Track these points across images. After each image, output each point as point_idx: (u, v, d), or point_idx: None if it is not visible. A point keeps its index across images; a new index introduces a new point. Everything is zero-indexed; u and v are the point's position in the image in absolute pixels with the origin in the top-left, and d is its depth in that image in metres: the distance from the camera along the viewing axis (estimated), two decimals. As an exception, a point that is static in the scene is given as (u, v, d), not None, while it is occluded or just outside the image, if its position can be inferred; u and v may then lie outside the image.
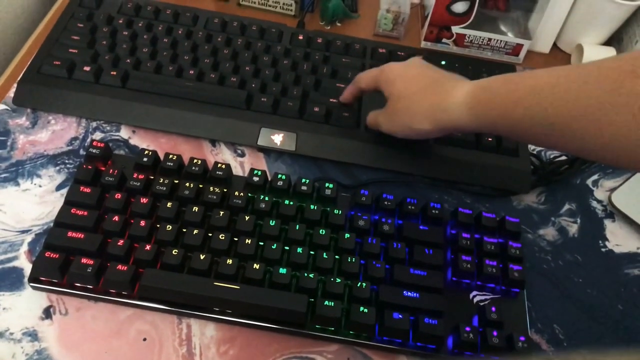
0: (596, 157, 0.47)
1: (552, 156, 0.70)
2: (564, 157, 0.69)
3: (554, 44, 0.85)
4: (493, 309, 0.54)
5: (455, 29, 0.79)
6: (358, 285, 0.53)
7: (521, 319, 0.56)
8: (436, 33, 0.80)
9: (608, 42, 0.83)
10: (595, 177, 0.69)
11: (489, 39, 0.80)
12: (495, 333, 0.52)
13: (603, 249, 0.64)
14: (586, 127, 0.45)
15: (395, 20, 0.81)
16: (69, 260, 0.52)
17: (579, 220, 0.66)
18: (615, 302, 0.60)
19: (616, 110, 0.42)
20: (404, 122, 0.58)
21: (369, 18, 0.84)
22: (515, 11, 0.83)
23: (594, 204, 0.67)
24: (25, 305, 0.53)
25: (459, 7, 0.77)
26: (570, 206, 0.67)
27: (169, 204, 0.56)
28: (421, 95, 0.57)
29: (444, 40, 0.81)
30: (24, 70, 0.67)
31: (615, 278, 0.61)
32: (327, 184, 0.59)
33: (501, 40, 0.80)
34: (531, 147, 0.70)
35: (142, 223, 0.54)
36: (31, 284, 0.53)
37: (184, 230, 0.55)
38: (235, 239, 0.55)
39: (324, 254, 0.55)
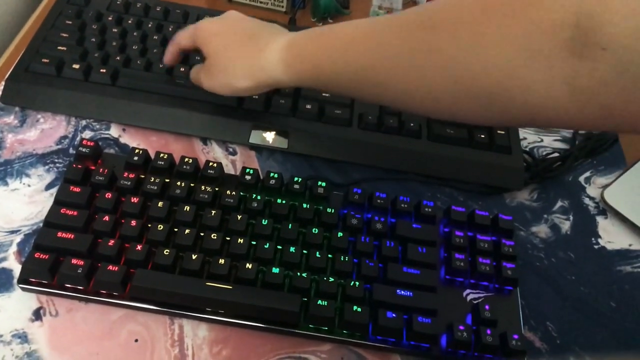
0: (403, 107, 0.49)
1: (544, 153, 0.70)
2: (556, 154, 0.69)
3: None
4: (487, 307, 0.54)
5: (448, 26, 0.79)
6: (351, 284, 0.53)
7: (515, 316, 0.56)
8: (428, 30, 0.80)
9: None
10: (587, 174, 0.69)
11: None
12: (489, 331, 0.52)
13: (595, 246, 0.64)
14: (391, 82, 0.46)
15: (387, 17, 0.80)
16: (59, 261, 0.51)
17: (571, 218, 0.66)
18: (608, 299, 0.60)
19: (418, 64, 0.43)
20: (223, 80, 0.57)
21: (361, 14, 0.83)
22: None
23: (587, 201, 0.67)
24: (14, 306, 0.52)
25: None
26: (563, 203, 0.67)
27: (160, 204, 0.55)
28: (238, 52, 0.55)
29: (436, 36, 0.80)
30: (12, 68, 0.66)
31: (607, 275, 0.62)
32: (319, 183, 0.59)
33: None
34: (524, 144, 0.70)
35: (133, 223, 0.54)
36: (20, 285, 0.52)
37: (176, 230, 0.54)
38: (228, 239, 0.54)
39: (317, 253, 0.55)
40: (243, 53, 0.55)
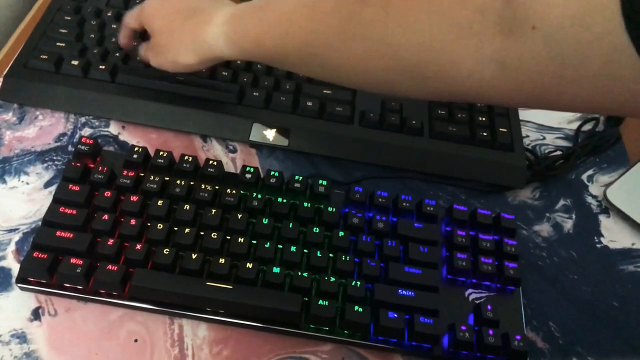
0: (341, 82, 0.49)
1: (547, 151, 0.69)
2: (559, 152, 0.69)
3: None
4: (489, 307, 0.53)
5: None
6: (352, 284, 0.53)
7: (517, 316, 0.56)
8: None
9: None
10: (590, 172, 0.69)
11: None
12: (491, 332, 0.52)
13: (598, 245, 0.63)
14: (330, 57, 0.46)
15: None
16: (58, 260, 0.51)
17: (574, 216, 0.65)
18: (611, 299, 0.59)
19: (353, 39, 0.44)
20: (168, 57, 0.57)
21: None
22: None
23: (589, 199, 0.67)
24: (13, 306, 0.51)
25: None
26: (565, 202, 0.66)
27: (159, 202, 0.55)
28: (182, 28, 0.55)
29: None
30: (10, 64, 0.65)
31: (610, 274, 0.61)
32: (320, 181, 0.58)
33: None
34: (526, 142, 0.69)
35: (133, 222, 0.53)
36: (19, 285, 0.51)
37: (176, 229, 0.54)
38: (228, 238, 0.54)
39: (318, 252, 0.54)
40: (186, 28, 0.55)
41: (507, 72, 0.37)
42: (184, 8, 0.56)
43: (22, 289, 0.52)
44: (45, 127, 0.64)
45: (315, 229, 0.55)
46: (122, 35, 0.64)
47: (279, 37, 0.49)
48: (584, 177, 0.69)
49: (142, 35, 0.65)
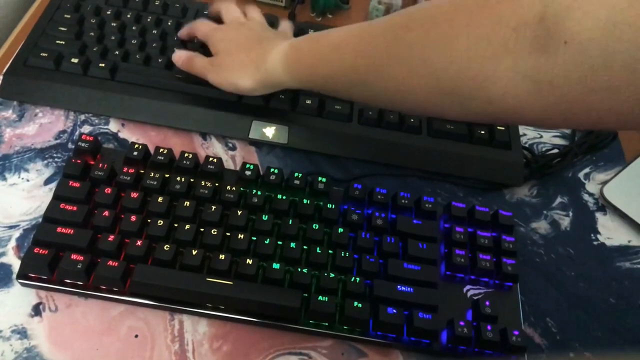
0: (396, 107, 0.52)
1: (544, 149, 0.70)
2: (556, 151, 0.69)
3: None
4: (487, 303, 0.54)
5: (447, 21, 0.78)
6: (352, 280, 0.53)
7: (515, 312, 0.56)
8: (428, 25, 0.79)
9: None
10: (587, 170, 0.69)
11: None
12: (489, 327, 0.52)
13: (595, 242, 0.64)
14: (376, 80, 0.49)
15: (387, 12, 0.80)
16: (59, 256, 0.51)
17: (571, 214, 0.66)
18: (607, 295, 0.60)
19: (398, 62, 0.46)
20: (228, 78, 0.60)
21: (360, 9, 0.83)
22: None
23: (586, 197, 0.67)
24: (13, 302, 0.52)
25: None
26: (562, 199, 0.67)
27: (160, 199, 0.55)
28: (245, 54, 0.59)
29: (435, 32, 0.80)
30: (10, 62, 0.65)
31: (607, 271, 0.62)
32: (319, 178, 0.59)
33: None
34: (523, 140, 0.70)
35: (133, 218, 0.54)
36: (20, 281, 0.52)
37: (176, 225, 0.54)
38: (228, 234, 0.54)
39: (318, 248, 0.54)
40: (250, 54, 0.59)
41: (541, 89, 0.39)
42: (252, 38, 0.61)
43: (22, 284, 0.52)
44: (45, 125, 0.64)
45: (314, 225, 0.56)
46: (186, 31, 0.68)
47: (331, 64, 0.52)
48: (581, 175, 0.69)
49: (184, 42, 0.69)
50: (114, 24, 0.69)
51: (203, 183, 0.57)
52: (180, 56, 0.65)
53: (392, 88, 0.48)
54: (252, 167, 0.59)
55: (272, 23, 0.72)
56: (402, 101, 0.49)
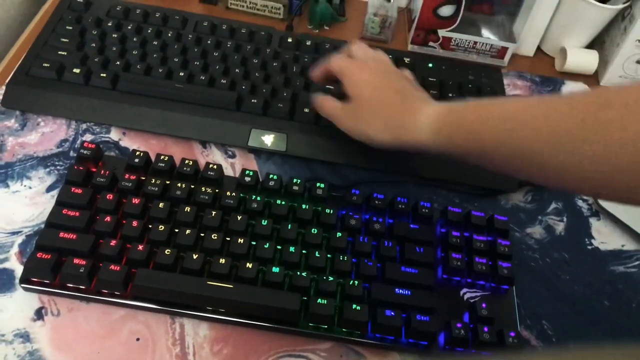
0: (558, 183, 0.48)
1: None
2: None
3: (538, 47, 0.86)
4: (483, 305, 0.55)
5: (442, 33, 0.80)
6: (350, 283, 0.54)
7: (511, 315, 0.57)
8: (423, 36, 0.81)
9: (591, 45, 0.85)
10: (580, 176, 0.71)
11: (475, 42, 0.81)
12: (486, 329, 0.53)
13: (589, 247, 0.65)
14: (554, 157, 0.45)
15: (383, 24, 0.82)
16: (61, 261, 0.52)
17: (565, 219, 0.67)
18: (602, 298, 0.61)
19: (587, 141, 0.43)
20: (363, 128, 0.58)
21: (357, 22, 0.85)
22: (499, 15, 0.85)
23: (580, 203, 0.68)
24: (16, 306, 0.52)
25: (445, 11, 0.78)
26: (557, 205, 0.68)
27: (161, 204, 0.56)
28: (386, 109, 0.57)
29: (430, 43, 0.82)
30: (13, 72, 0.66)
31: (601, 275, 0.63)
32: (318, 184, 0.60)
33: (486, 44, 0.81)
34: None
35: (135, 223, 0.54)
36: (22, 285, 0.52)
37: (177, 230, 0.55)
38: (228, 239, 0.55)
39: (316, 252, 0.55)
40: (390, 110, 0.57)
41: None
42: (394, 89, 0.58)
43: (25, 289, 0.53)
44: (47, 134, 0.65)
45: (313, 230, 0.57)
46: (320, 71, 0.65)
47: (498, 132, 0.49)
48: (575, 181, 0.70)
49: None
50: (115, 35, 0.71)
51: (203, 189, 0.58)
52: (315, 96, 0.64)
53: (572, 168, 0.45)
54: (251, 173, 0.60)
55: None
56: (583, 181, 0.45)
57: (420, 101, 0.57)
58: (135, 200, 0.56)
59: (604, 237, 0.66)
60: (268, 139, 0.65)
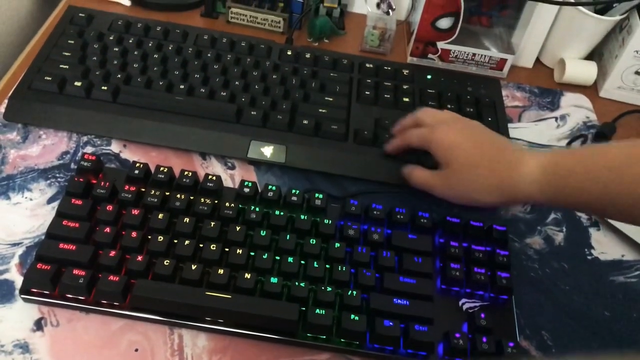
0: None
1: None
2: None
3: (537, 59, 0.87)
4: (482, 315, 0.55)
5: (441, 45, 0.81)
6: (349, 293, 0.54)
7: (510, 325, 0.57)
8: (422, 49, 0.82)
9: (589, 57, 0.85)
10: (579, 187, 0.71)
11: (474, 54, 0.82)
12: (484, 339, 0.53)
13: (589, 257, 0.65)
14: None
15: (382, 37, 0.82)
16: (61, 272, 0.52)
17: (564, 229, 0.67)
18: (602, 309, 0.61)
19: None
20: (465, 193, 0.58)
21: (356, 34, 0.85)
22: (498, 27, 0.85)
23: (579, 213, 0.68)
24: (16, 317, 0.52)
25: (444, 23, 0.78)
26: (556, 215, 0.68)
27: (160, 215, 0.56)
28: (485, 169, 0.56)
29: (429, 55, 0.82)
30: (15, 86, 0.67)
31: (601, 285, 0.62)
32: (317, 195, 0.60)
33: (485, 55, 0.81)
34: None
35: (134, 234, 0.55)
36: (22, 296, 0.53)
37: (175, 241, 0.55)
38: (227, 249, 0.55)
39: (315, 263, 0.55)
40: (492, 169, 0.56)
41: None
42: (487, 145, 0.57)
43: (25, 300, 0.53)
44: (48, 146, 0.65)
45: (312, 240, 0.57)
46: (395, 145, 0.65)
47: (609, 187, 0.50)
48: (574, 191, 0.70)
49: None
50: (116, 49, 0.72)
51: (202, 200, 0.58)
52: (404, 168, 0.64)
53: None
54: (250, 184, 0.60)
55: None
56: None
57: (517, 154, 0.56)
58: (135, 212, 0.56)
59: (604, 247, 0.66)
60: (267, 151, 0.66)
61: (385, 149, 0.66)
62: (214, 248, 0.55)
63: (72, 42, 0.72)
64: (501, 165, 0.56)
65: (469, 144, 0.57)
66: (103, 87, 0.67)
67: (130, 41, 0.73)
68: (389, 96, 0.73)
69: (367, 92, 0.73)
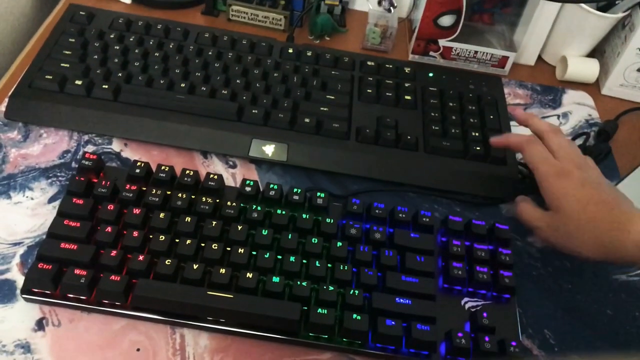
0: None
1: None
2: (551, 166, 0.70)
3: (539, 56, 0.86)
4: (485, 314, 0.54)
5: (442, 42, 0.80)
6: (351, 292, 0.54)
7: (512, 324, 0.57)
8: (423, 46, 0.81)
9: (591, 54, 0.85)
10: (581, 185, 0.70)
11: (475, 52, 0.81)
12: (487, 338, 0.53)
13: (591, 255, 0.64)
14: None
15: (383, 34, 0.82)
16: (62, 272, 0.52)
17: (567, 228, 0.66)
18: (604, 307, 0.60)
19: None
20: (570, 244, 0.57)
21: (357, 32, 0.85)
22: (500, 24, 0.85)
23: (581, 211, 0.68)
24: (17, 317, 0.52)
25: (446, 21, 0.78)
26: (558, 214, 0.67)
27: (161, 215, 0.56)
28: (595, 225, 0.55)
29: (431, 53, 0.82)
30: (16, 84, 0.67)
31: (603, 284, 0.62)
32: (318, 194, 0.60)
33: (487, 53, 0.81)
34: (519, 155, 0.71)
35: (135, 234, 0.55)
36: (24, 296, 0.52)
37: (177, 240, 0.55)
38: (228, 249, 0.55)
39: (317, 262, 0.55)
40: (599, 227, 0.55)
41: None
42: (601, 201, 0.56)
43: (26, 299, 0.53)
44: (49, 145, 0.65)
45: (314, 239, 0.57)
46: (500, 141, 0.63)
47: None
48: (576, 189, 0.70)
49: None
50: (117, 47, 0.71)
51: (204, 199, 0.58)
52: (517, 201, 0.63)
53: None
54: (252, 183, 0.60)
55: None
56: None
57: (631, 216, 0.55)
58: (136, 211, 0.56)
59: (606, 246, 0.65)
60: (269, 149, 0.66)
61: (492, 139, 0.64)
62: (216, 247, 0.55)
63: (73, 40, 0.71)
64: (613, 226, 0.55)
65: (584, 198, 0.56)
66: (104, 86, 0.67)
67: (131, 39, 0.73)
68: (390, 94, 0.73)
69: (368, 90, 0.73)
